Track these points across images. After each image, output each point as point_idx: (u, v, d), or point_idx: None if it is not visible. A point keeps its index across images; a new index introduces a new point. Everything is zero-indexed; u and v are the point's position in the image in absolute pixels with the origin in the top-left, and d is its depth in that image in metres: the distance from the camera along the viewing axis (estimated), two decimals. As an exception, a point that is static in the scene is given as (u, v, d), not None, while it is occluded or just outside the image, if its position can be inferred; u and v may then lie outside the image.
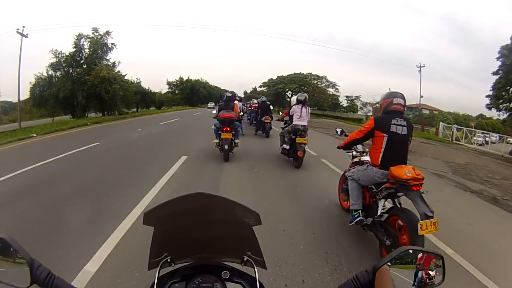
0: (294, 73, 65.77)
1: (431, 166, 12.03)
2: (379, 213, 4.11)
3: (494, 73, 26.65)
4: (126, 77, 36.95)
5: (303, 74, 65.46)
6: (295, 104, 9.27)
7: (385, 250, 3.88)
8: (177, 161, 8.83)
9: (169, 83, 72.54)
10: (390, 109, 4.19)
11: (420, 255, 0.93)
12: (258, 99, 21.40)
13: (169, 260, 1.11)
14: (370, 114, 60.14)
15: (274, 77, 68.11)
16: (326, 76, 66.26)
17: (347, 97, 68.17)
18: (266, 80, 69.75)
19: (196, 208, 1.01)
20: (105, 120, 25.11)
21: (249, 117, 22.94)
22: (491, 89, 28.22)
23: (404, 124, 4.10)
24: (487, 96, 29.24)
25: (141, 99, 50.75)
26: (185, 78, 72.26)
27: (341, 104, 68.92)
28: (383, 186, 4.09)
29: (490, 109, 30.11)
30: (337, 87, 65.87)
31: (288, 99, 65.51)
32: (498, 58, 26.44)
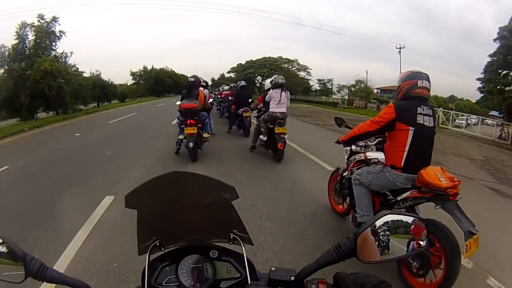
0: (264, 57, 64.15)
1: (462, 168, 9.73)
2: None
3: (491, 55, 25.08)
4: (81, 70, 32.63)
5: (273, 58, 64.05)
6: (271, 89, 8.49)
7: (410, 274, 3.27)
8: (88, 215, 4.90)
9: (133, 74, 69.00)
10: (413, 94, 3.42)
11: (410, 224, 0.90)
12: (232, 84, 17.53)
13: (158, 244, 1.09)
14: (346, 97, 59.34)
15: (243, 62, 65.79)
16: (297, 60, 64.90)
17: (319, 80, 66.49)
18: (235, 66, 67.30)
19: (173, 187, 1.01)
20: (52, 121, 20.88)
21: (218, 107, 19.04)
22: (483, 72, 26.86)
23: (430, 114, 3.43)
24: (478, 79, 27.69)
25: (101, 93, 47.14)
26: (149, 67, 69.10)
27: (313, 88, 67.68)
28: (407, 194, 3.38)
29: (483, 92, 29.39)
30: (308, 70, 64.70)
31: (259, 84, 62.81)
32: (495, 40, 24.59)
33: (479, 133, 24.44)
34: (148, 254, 1.06)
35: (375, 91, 60.98)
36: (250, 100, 11.91)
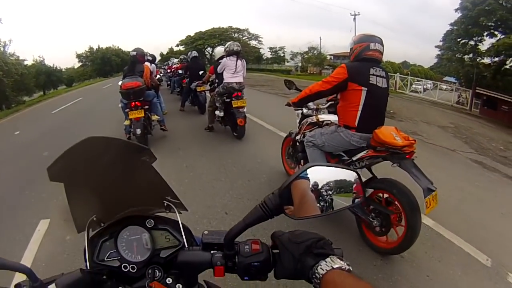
0: (213, 28, 62.27)
1: (439, 138, 9.92)
2: None
3: (452, 24, 26.85)
4: (22, 59, 30.85)
5: (223, 28, 62.26)
6: (223, 57, 7.61)
7: (372, 234, 3.46)
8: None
9: (78, 56, 65.15)
10: (365, 56, 3.44)
11: (353, 182, 0.91)
12: (182, 57, 15.86)
13: (95, 219, 1.08)
14: (300, 64, 59.74)
15: (192, 34, 63.87)
16: (248, 29, 63.52)
17: (270, 48, 65.59)
18: (184, 38, 65.11)
19: (92, 153, 1.01)
20: None
21: (168, 82, 17.66)
22: (441, 40, 28.82)
23: (384, 75, 3.48)
24: (437, 47, 30.02)
25: (46, 80, 44.63)
26: (95, 47, 65.43)
27: (264, 56, 66.86)
28: (363, 153, 3.43)
29: (442, 60, 31.53)
30: (260, 39, 63.74)
31: (209, 56, 60.79)
32: (456, 10, 26.05)
33: (437, 99, 26.27)
34: (86, 230, 1.04)
35: (328, 57, 61.09)
36: (201, 73, 10.62)
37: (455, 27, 26.24)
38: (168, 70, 18.64)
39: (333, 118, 4.03)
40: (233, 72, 7.33)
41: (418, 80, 33.16)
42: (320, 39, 65.93)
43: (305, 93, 3.81)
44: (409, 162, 3.11)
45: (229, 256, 0.94)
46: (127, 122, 7.14)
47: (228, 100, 7.57)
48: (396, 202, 3.17)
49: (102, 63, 62.09)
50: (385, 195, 3.32)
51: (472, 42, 25.92)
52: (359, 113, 3.41)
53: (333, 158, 3.84)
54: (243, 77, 7.54)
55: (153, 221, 1.06)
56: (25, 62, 33.55)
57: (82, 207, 1.08)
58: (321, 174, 0.88)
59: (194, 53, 11.67)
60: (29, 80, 31.98)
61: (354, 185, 0.91)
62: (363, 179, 3.15)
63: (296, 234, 0.91)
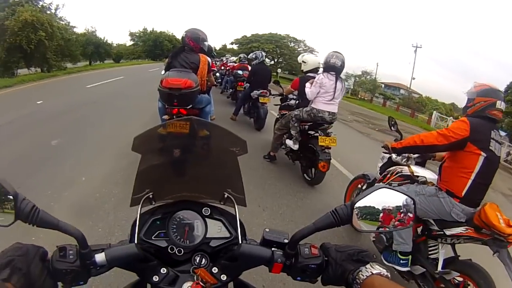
0: (270, 33, 60.98)
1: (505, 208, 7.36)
2: (440, 265, 3.05)
3: None
4: (73, 25, 29.35)
5: (280, 35, 60.90)
6: (317, 71, 6.01)
7: None
8: None
9: (131, 34, 65.05)
10: (489, 115, 2.97)
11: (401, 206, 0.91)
12: (242, 55, 13.42)
13: (150, 196, 1.10)
14: (352, 87, 59.33)
15: (248, 35, 62.54)
16: (304, 41, 62.32)
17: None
18: (239, 37, 63.78)
19: (183, 129, 1.03)
20: (24, 80, 17.08)
21: (219, 80, 15.28)
22: (504, 91, 25.75)
23: (499, 141, 3.00)
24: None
25: (94, 50, 43.45)
26: (149, 29, 64.75)
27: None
28: (461, 230, 2.92)
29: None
30: (315, 53, 60.92)
31: (293, 62, 58.62)
32: None
33: None
34: (140, 206, 1.06)
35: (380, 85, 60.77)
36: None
37: None
38: (222, 67, 16.59)
39: (429, 174, 3.45)
40: (331, 98, 5.30)
41: None
42: (377, 65, 64.37)
43: (414, 142, 3.21)
44: (505, 252, 2.68)
45: (289, 255, 0.95)
46: (162, 131, 4.69)
47: (312, 133, 5.64)
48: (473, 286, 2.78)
49: (153, 46, 61.08)
50: (465, 280, 2.88)
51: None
52: (470, 181, 2.91)
53: (417, 222, 3.24)
54: (337, 105, 5.51)
55: (209, 210, 1.10)
56: (76, 30, 32.38)
57: (142, 182, 1.08)
58: (383, 196, 0.90)
59: (262, 56, 9.43)
60: (76, 48, 30.28)
61: (408, 213, 0.91)
62: (443, 255, 3.07)
63: (342, 246, 0.97)
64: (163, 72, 5.00)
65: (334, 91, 5.24)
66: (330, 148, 5.30)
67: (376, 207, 0.90)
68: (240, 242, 1.02)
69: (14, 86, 14.85)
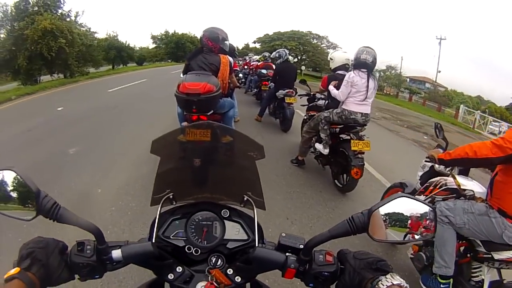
0: (292, 30, 59.99)
1: None
2: None
3: None
4: (93, 31, 29.51)
5: (302, 32, 59.73)
6: (347, 68, 5.59)
7: None
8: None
9: (153, 37, 65.50)
10: None
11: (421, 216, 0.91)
12: (266, 54, 13.03)
13: (171, 197, 1.12)
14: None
15: (270, 33, 61.81)
16: (327, 37, 60.79)
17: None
18: (261, 36, 63.11)
19: (204, 136, 1.05)
20: (46, 87, 17.10)
21: (243, 80, 14.76)
22: None
23: None
24: None
25: (117, 54, 43.94)
26: (171, 32, 65.21)
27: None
28: (510, 255, 2.57)
29: None
30: (338, 49, 59.75)
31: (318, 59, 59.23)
32: None
33: None
34: (160, 205, 1.08)
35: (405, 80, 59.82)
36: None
37: None
38: (245, 66, 16.19)
39: (477, 187, 2.95)
40: (363, 98, 4.82)
41: (494, 121, 30.36)
42: (402, 59, 62.99)
43: (465, 154, 2.69)
44: None
45: (303, 261, 0.94)
46: (182, 139, 4.26)
47: (343, 136, 5.14)
48: None
49: (175, 47, 61.36)
50: None
51: None
52: None
53: (460, 241, 2.85)
54: (370, 105, 5.02)
55: (228, 212, 1.11)
56: (97, 35, 32.68)
57: (163, 183, 1.10)
58: (406, 204, 0.90)
59: (286, 55, 8.91)
60: (98, 53, 30.65)
61: (427, 222, 0.91)
62: (489, 279, 2.71)
63: (360, 253, 0.94)
64: (182, 75, 4.54)
65: (367, 90, 4.78)
66: (363, 153, 4.86)
67: (405, 213, 0.89)
68: (256, 245, 1.02)
69: (37, 93, 14.87)
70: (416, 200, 0.91)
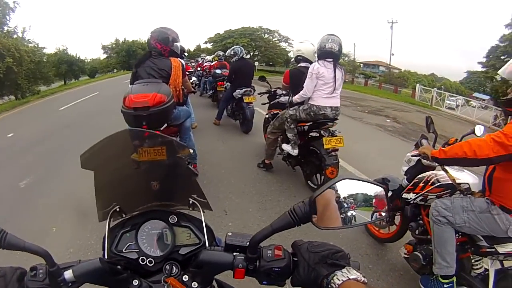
0: (243, 27, 60.38)
1: None
2: (491, 283, 2.52)
3: (502, 41, 26.54)
4: (41, 46, 28.05)
5: (253, 27, 60.33)
6: (311, 58, 5.01)
7: None
8: None
9: (104, 47, 64.19)
10: None
11: (373, 196, 0.91)
12: (220, 53, 12.66)
13: (118, 209, 1.08)
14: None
15: (221, 32, 61.91)
16: (278, 30, 62.23)
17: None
18: (212, 35, 63.25)
19: (128, 145, 1.03)
20: None
21: (197, 82, 13.83)
22: (485, 56, 28.65)
23: None
24: (479, 63, 30.51)
25: (68, 69, 42.67)
26: (121, 40, 63.85)
27: (292, 60, 66.73)
28: None
29: (488, 78, 31.05)
30: (290, 41, 62.04)
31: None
32: (507, 26, 25.61)
33: (475, 118, 24.94)
34: (108, 220, 1.06)
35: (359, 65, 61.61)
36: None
37: (502, 44, 25.51)
38: (198, 68, 15.60)
39: (471, 178, 2.76)
40: (331, 89, 4.46)
41: (450, 95, 32.20)
42: (354, 45, 64.59)
43: (463, 154, 2.39)
44: None
45: (251, 259, 0.91)
46: (135, 157, 3.74)
47: (313, 133, 4.76)
48: None
49: (127, 56, 59.96)
50: None
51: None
52: None
53: (460, 236, 2.68)
54: (339, 96, 4.67)
55: (176, 217, 1.08)
56: (46, 50, 31.21)
57: (107, 196, 1.07)
58: (348, 188, 0.88)
59: (241, 51, 8.42)
60: (48, 69, 29.42)
61: (378, 200, 0.91)
62: (493, 271, 2.58)
63: (315, 244, 0.91)
64: (129, 88, 3.91)
65: (334, 81, 4.44)
66: (337, 149, 4.56)
67: (368, 193, 0.89)
68: (207, 247, 1.01)
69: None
70: (362, 180, 0.91)
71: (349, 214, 0.87)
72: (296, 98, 4.66)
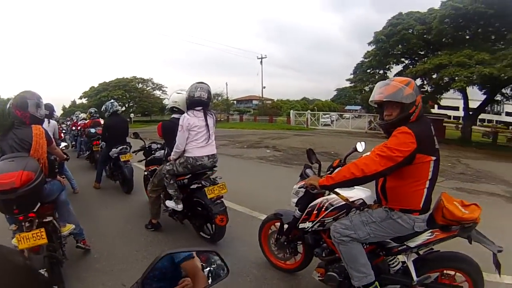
0: (117, 78, 59.04)
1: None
2: (414, 273, 2.65)
3: (366, 57, 27.99)
4: None
5: (127, 78, 59.60)
6: (177, 109, 4.84)
7: None
8: None
9: None
10: (425, 113, 2.74)
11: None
12: (92, 110, 11.46)
13: None
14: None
15: (96, 85, 59.65)
16: (152, 79, 62.20)
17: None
18: (87, 90, 60.29)
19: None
20: None
21: (74, 143, 13.50)
22: (352, 73, 29.81)
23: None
24: (348, 80, 30.82)
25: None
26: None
27: (167, 107, 67.32)
28: (427, 237, 2.60)
29: (357, 91, 32.10)
30: (164, 89, 62.32)
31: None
32: (370, 43, 27.21)
33: (351, 128, 29.26)
34: None
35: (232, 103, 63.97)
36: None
37: (366, 60, 27.46)
38: (73, 127, 14.75)
39: (361, 193, 2.88)
40: (205, 138, 4.40)
41: (324, 114, 35.72)
42: (226, 85, 67.24)
43: (351, 175, 2.44)
44: (474, 231, 2.52)
45: None
46: (15, 242, 3.07)
47: (195, 185, 4.59)
48: (462, 276, 2.66)
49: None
50: (453, 273, 2.70)
51: (381, 71, 27.61)
52: (425, 191, 2.55)
53: (367, 245, 2.77)
54: (215, 143, 4.62)
55: None
56: None
57: None
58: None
59: (112, 107, 7.69)
60: None
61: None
62: (411, 264, 2.69)
63: None
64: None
65: (207, 129, 4.39)
66: (222, 196, 4.44)
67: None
68: None
69: None
70: (182, 251, 1.01)
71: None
72: (172, 156, 4.49)
